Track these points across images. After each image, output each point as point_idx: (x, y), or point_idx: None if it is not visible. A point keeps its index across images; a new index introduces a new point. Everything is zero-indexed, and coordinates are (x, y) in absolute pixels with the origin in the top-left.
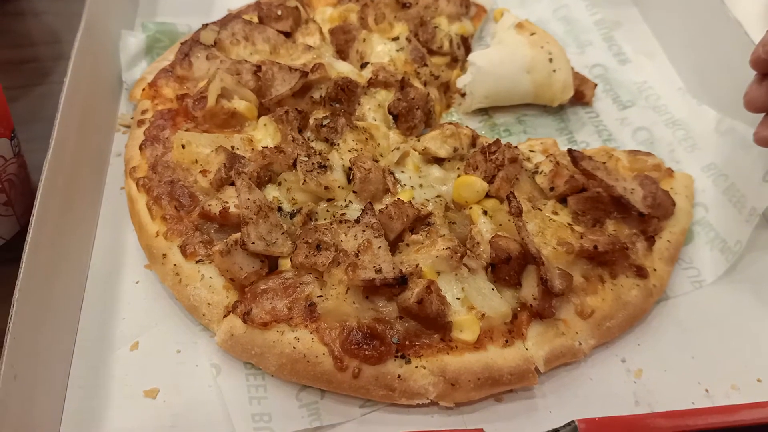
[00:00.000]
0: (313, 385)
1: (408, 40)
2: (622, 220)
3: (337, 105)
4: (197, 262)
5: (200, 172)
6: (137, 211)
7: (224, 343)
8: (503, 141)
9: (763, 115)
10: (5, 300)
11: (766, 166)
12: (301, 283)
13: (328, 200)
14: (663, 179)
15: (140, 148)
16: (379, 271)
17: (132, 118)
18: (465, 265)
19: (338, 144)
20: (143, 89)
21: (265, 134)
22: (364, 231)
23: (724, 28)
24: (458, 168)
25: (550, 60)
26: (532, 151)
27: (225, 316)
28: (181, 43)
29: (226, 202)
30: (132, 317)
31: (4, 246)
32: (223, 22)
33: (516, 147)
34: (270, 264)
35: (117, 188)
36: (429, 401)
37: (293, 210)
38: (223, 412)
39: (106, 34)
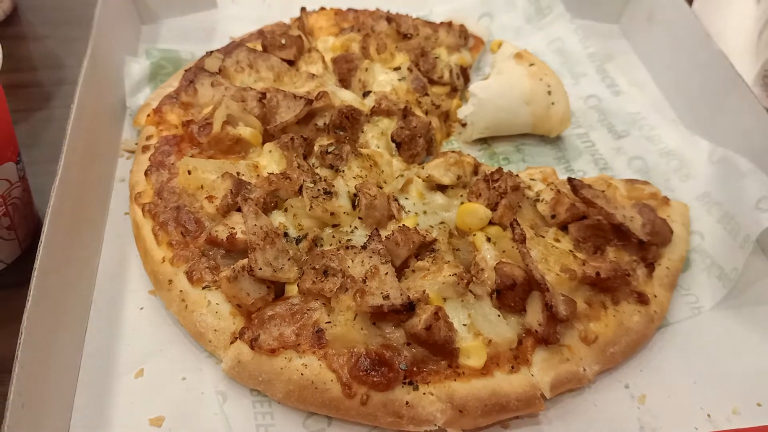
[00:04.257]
0: (321, 412)
1: (409, 69)
2: (622, 247)
3: (341, 132)
4: (203, 288)
5: (206, 197)
6: (143, 237)
7: (231, 370)
8: (503, 169)
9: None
10: (4, 325)
11: (757, 194)
12: (308, 309)
13: (334, 226)
14: (660, 207)
15: (146, 174)
16: (387, 297)
17: (136, 144)
18: (471, 291)
19: (343, 171)
20: (148, 115)
21: (270, 160)
22: (371, 257)
23: (710, 60)
24: (461, 195)
25: (549, 92)
26: (533, 180)
27: (232, 343)
28: (186, 70)
29: (233, 228)
30: (136, 344)
31: (5, 270)
32: (228, 50)
33: (517, 175)
34: (276, 290)
35: (121, 213)
36: (437, 428)
37: (299, 236)
38: None
39: (110, 60)
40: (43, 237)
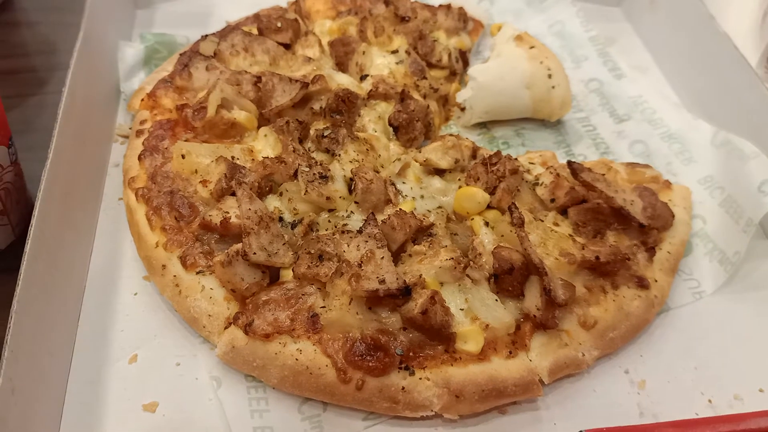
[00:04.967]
0: (316, 397)
1: (407, 53)
2: (623, 231)
3: (338, 116)
4: (197, 273)
5: (200, 182)
6: (136, 222)
7: (225, 356)
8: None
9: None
10: None
11: (761, 177)
12: (303, 294)
13: (330, 211)
14: (661, 191)
15: (139, 158)
16: (382, 281)
17: (130, 129)
18: (468, 275)
19: (339, 155)
20: (142, 99)
21: (265, 145)
22: (366, 241)
23: (714, 43)
24: (459, 179)
25: (549, 76)
26: (532, 164)
27: (226, 328)
28: (180, 54)
29: (227, 213)
30: (130, 330)
31: None
32: (223, 34)
33: (516, 159)
34: (271, 275)
35: (115, 199)
36: (433, 413)
37: (294, 220)
38: (224, 426)
39: (104, 45)
40: (33, 221)
